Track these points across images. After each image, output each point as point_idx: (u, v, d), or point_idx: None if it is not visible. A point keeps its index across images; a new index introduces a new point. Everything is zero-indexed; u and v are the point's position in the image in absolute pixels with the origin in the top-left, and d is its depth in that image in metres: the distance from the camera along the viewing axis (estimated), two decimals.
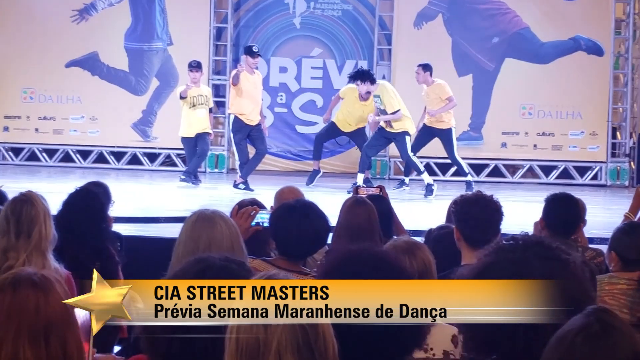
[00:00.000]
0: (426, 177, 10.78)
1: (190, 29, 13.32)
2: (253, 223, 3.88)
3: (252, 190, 10.27)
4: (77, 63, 13.38)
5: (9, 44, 13.30)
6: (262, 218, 3.90)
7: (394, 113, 10.70)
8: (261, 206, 4.21)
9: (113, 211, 4.72)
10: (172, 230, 7.02)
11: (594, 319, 1.74)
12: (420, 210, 9.31)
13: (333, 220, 4.18)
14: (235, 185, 10.61)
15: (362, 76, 10.79)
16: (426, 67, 11.10)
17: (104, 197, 4.29)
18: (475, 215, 3.71)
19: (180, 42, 13.33)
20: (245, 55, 10.87)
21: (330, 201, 8.69)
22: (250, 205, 4.06)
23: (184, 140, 11.15)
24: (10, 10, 13.35)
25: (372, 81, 10.83)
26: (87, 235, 3.67)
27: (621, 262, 3.90)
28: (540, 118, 13.14)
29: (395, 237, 4.72)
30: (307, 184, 10.83)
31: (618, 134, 13.37)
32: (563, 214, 4.42)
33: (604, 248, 5.18)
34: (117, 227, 5.49)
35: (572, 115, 13.10)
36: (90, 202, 3.88)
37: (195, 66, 11.12)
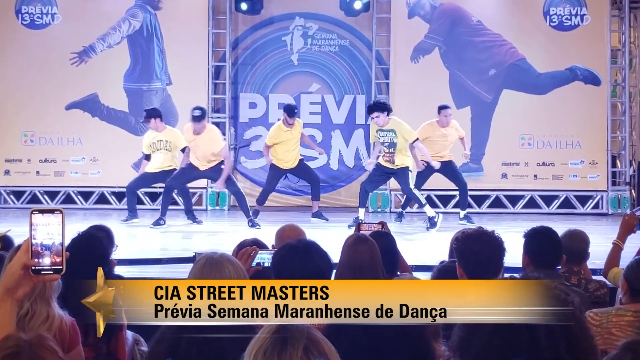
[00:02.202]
0: (428, 210, 10.73)
1: (189, 68, 13.40)
2: (253, 263, 3.89)
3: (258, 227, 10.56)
4: (77, 105, 13.44)
5: (9, 87, 13.37)
6: (262, 258, 3.91)
7: (413, 142, 10.67)
8: (262, 246, 4.21)
9: (116, 254, 4.72)
10: (174, 271, 7.03)
11: (628, 351, 1.78)
12: (422, 244, 9.29)
13: (335, 255, 4.17)
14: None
15: (380, 107, 10.71)
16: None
17: (107, 241, 4.29)
18: (477, 252, 3.70)
19: (179, 81, 13.41)
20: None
21: (331, 235, 8.69)
22: (251, 245, 4.06)
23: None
24: (9, 54, 13.43)
25: (389, 112, 10.76)
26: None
27: (630, 292, 3.89)
28: (539, 148, 13.17)
29: (399, 273, 4.74)
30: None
31: (618, 162, 13.40)
32: (543, 247, 4.44)
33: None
34: (119, 270, 5.49)
35: (571, 145, 13.14)
36: (93, 247, 3.88)
37: (145, 116, 11.25)
